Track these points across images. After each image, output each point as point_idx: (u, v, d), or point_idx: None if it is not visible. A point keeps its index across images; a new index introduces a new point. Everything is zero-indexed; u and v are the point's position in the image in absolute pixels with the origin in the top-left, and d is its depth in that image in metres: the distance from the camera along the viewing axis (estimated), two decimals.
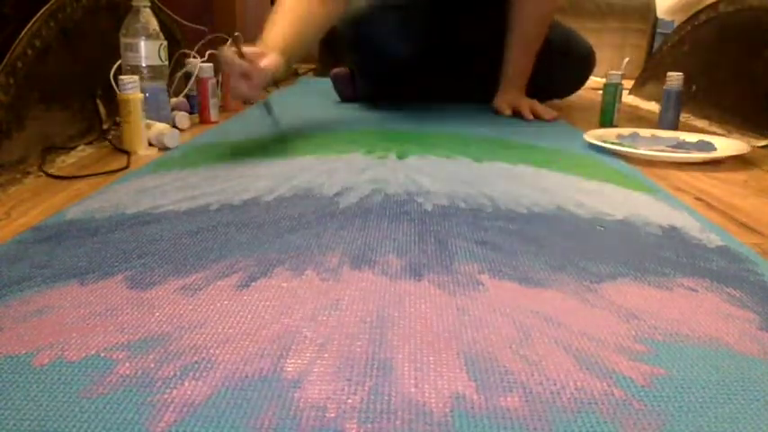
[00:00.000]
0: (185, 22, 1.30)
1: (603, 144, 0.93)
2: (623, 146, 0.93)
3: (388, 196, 0.68)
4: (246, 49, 0.85)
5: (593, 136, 0.97)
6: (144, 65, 0.96)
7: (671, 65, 1.32)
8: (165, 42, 0.99)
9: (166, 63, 1.00)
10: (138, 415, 0.31)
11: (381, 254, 0.52)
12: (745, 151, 0.89)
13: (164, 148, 0.91)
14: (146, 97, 0.93)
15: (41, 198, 0.69)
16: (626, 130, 1.02)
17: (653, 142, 0.96)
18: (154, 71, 0.97)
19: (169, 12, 1.22)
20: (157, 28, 0.97)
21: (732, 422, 0.31)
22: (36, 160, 0.82)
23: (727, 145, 0.93)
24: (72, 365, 0.35)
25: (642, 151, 0.89)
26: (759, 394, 0.34)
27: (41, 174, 0.78)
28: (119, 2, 1.04)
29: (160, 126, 0.92)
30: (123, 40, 0.95)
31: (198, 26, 1.32)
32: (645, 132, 1.02)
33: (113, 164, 0.84)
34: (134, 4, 0.95)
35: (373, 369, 0.35)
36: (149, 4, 0.96)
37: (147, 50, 0.96)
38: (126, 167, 0.81)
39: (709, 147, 0.92)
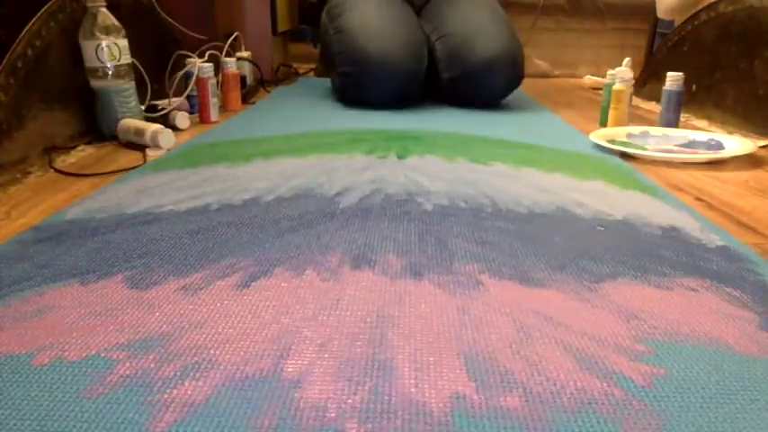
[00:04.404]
0: (187, 31, 1.30)
1: (603, 143, 0.93)
2: (630, 146, 0.92)
3: (388, 196, 0.68)
4: None
5: (600, 136, 0.97)
6: (108, 65, 0.96)
7: (671, 65, 1.32)
8: (125, 42, 0.98)
9: (129, 61, 0.99)
10: (138, 415, 0.31)
11: (381, 254, 0.52)
12: (753, 150, 0.89)
13: (158, 148, 0.91)
14: (111, 96, 0.96)
15: (41, 198, 0.69)
16: (636, 129, 1.02)
17: (663, 141, 0.96)
18: (118, 70, 0.97)
19: (165, 15, 1.22)
20: (118, 27, 0.96)
21: (732, 422, 0.32)
22: (36, 160, 0.82)
23: (736, 144, 0.92)
24: (72, 365, 0.35)
25: (643, 152, 0.89)
26: (759, 394, 0.34)
27: (42, 173, 0.78)
28: (119, 2, 1.05)
29: (155, 126, 0.92)
30: (83, 43, 0.94)
31: (200, 35, 1.32)
32: (656, 131, 1.01)
33: (113, 164, 0.84)
34: (89, 5, 0.94)
35: (373, 369, 0.35)
36: (105, 4, 0.95)
37: (108, 51, 0.95)
38: (143, 164, 0.82)
39: (718, 146, 0.92)
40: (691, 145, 0.94)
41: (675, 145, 0.94)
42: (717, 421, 0.32)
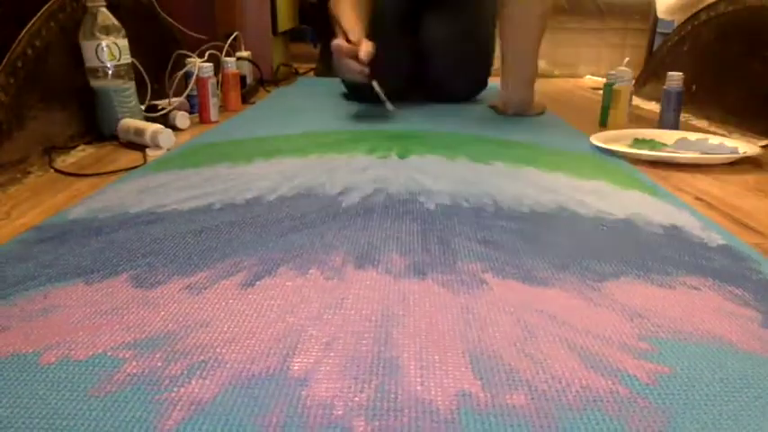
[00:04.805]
0: (187, 31, 1.30)
1: (605, 146, 0.93)
2: (630, 147, 0.92)
3: (390, 195, 0.68)
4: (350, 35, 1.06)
5: (602, 138, 0.96)
6: (108, 65, 0.96)
7: (671, 65, 1.32)
8: (125, 42, 0.98)
9: (129, 61, 0.99)
10: (146, 413, 0.31)
11: (385, 253, 0.52)
12: (754, 151, 0.88)
13: (158, 148, 0.91)
14: (111, 96, 0.96)
15: (41, 198, 0.69)
16: (640, 132, 1.01)
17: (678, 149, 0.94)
18: (118, 70, 0.97)
19: (165, 15, 1.22)
20: (118, 27, 0.97)
21: (735, 419, 0.32)
22: (36, 160, 0.82)
23: (738, 145, 0.91)
24: (79, 364, 0.35)
25: (644, 152, 0.89)
26: (762, 391, 0.34)
27: (42, 173, 0.78)
28: (119, 2, 1.04)
29: (155, 126, 0.92)
30: (83, 43, 0.94)
31: (200, 35, 1.32)
32: (664, 137, 1.00)
33: (113, 164, 0.84)
34: (89, 5, 0.94)
35: (379, 367, 0.35)
36: (105, 4, 0.95)
37: (108, 51, 0.95)
38: (143, 164, 0.82)
39: (720, 147, 0.90)
40: (690, 146, 0.94)
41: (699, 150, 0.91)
42: (721, 418, 0.32)
